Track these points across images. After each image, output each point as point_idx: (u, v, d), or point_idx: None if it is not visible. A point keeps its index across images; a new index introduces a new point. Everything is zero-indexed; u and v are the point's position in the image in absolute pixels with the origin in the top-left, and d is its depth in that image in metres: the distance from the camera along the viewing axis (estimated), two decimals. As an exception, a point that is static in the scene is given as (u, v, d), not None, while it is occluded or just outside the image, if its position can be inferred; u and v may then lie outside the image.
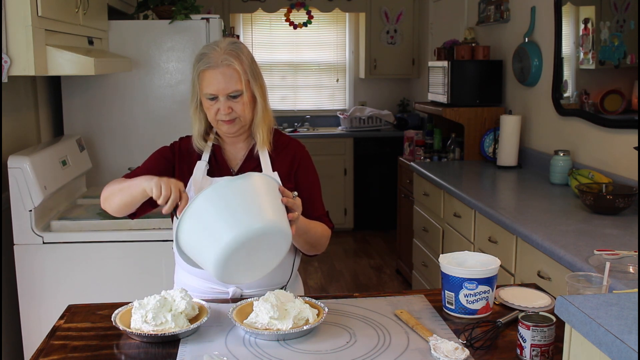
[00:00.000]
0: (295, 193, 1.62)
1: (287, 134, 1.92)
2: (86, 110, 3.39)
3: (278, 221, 1.52)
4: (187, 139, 1.87)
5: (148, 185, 1.56)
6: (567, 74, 3.35)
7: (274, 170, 1.80)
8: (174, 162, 1.84)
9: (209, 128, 1.83)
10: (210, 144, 1.83)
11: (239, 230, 1.46)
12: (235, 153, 1.85)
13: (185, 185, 1.78)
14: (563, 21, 3.33)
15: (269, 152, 1.82)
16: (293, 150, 1.86)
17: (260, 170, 1.79)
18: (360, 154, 5.96)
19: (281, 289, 1.81)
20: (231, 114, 1.72)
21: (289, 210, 1.57)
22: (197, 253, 1.52)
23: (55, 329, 1.60)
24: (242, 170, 1.80)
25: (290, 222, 1.56)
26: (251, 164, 1.81)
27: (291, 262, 1.86)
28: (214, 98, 1.71)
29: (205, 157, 1.81)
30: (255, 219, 1.48)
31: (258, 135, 1.78)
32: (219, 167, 1.82)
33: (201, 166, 1.80)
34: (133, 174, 1.80)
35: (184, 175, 1.81)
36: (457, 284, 1.62)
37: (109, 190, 1.73)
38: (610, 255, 1.98)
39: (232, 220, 1.47)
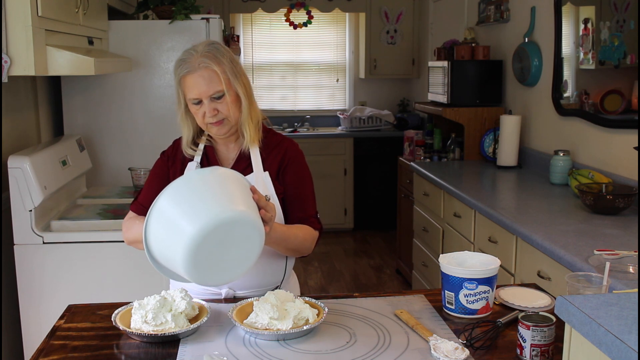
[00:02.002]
0: (269, 196, 1.61)
1: (280, 133, 1.91)
2: (86, 110, 3.39)
3: (247, 212, 1.46)
4: (180, 141, 1.88)
5: None
6: (567, 74, 3.35)
7: (265, 170, 1.80)
8: (168, 168, 1.86)
9: (199, 132, 1.84)
10: (202, 145, 1.83)
11: (202, 220, 1.40)
12: (227, 153, 1.85)
13: None
14: (563, 21, 3.33)
15: (260, 152, 1.81)
16: (284, 149, 1.84)
17: (252, 170, 1.79)
18: (360, 154, 5.95)
19: (274, 289, 1.80)
20: (217, 115, 1.72)
21: (259, 207, 1.55)
22: (167, 257, 1.48)
23: (55, 329, 1.60)
24: (233, 170, 1.80)
25: (264, 221, 1.54)
26: (243, 163, 1.81)
27: (283, 263, 1.85)
28: (199, 102, 1.72)
29: (197, 158, 1.82)
30: (222, 208, 1.43)
31: (245, 133, 1.78)
32: None
33: (192, 167, 1.81)
34: (137, 203, 1.86)
35: (177, 177, 1.82)
36: (457, 284, 1.62)
37: (127, 238, 1.82)
38: (610, 255, 1.98)
39: (194, 212, 1.42)
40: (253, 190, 1.57)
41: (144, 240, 1.50)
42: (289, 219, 1.81)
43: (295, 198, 1.82)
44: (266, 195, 1.60)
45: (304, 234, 1.79)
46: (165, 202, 1.46)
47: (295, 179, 1.83)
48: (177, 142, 1.89)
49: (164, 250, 1.48)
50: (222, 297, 1.81)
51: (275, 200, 1.77)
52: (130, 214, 1.86)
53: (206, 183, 1.49)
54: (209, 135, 1.83)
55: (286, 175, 1.82)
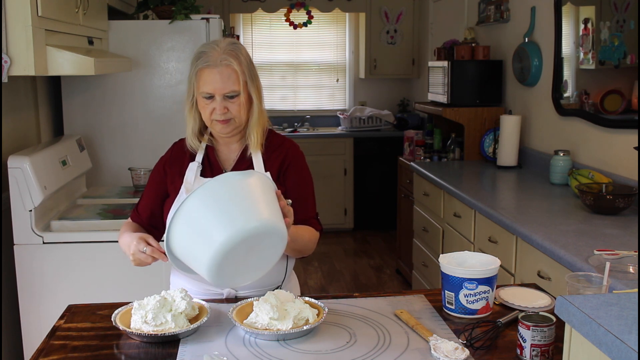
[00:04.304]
0: (290, 201, 1.62)
1: (281, 134, 1.91)
2: (86, 110, 3.39)
3: (275, 221, 1.48)
4: (179, 143, 1.88)
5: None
6: (567, 74, 3.35)
7: (266, 171, 1.79)
8: (166, 172, 1.85)
9: (203, 128, 1.83)
10: (203, 145, 1.82)
11: (233, 229, 1.41)
12: (229, 154, 1.84)
13: (178, 189, 1.79)
14: (563, 21, 3.33)
15: (262, 153, 1.81)
16: (285, 150, 1.85)
17: None
18: (360, 154, 5.95)
19: (275, 289, 1.81)
20: (227, 114, 1.72)
21: (283, 215, 1.55)
22: (189, 257, 1.49)
23: (55, 329, 1.60)
24: (235, 170, 1.80)
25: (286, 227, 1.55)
26: (244, 165, 1.81)
27: (284, 263, 1.85)
28: (211, 97, 1.71)
29: (199, 158, 1.81)
30: (251, 218, 1.44)
31: (252, 137, 1.78)
32: (211, 168, 1.82)
33: (193, 167, 1.80)
34: (136, 213, 1.88)
35: (175, 180, 1.81)
36: (457, 284, 1.62)
37: (120, 242, 1.82)
38: (610, 255, 1.98)
39: (226, 220, 1.42)
40: (278, 196, 1.57)
41: (166, 233, 1.49)
42: None
43: (297, 199, 1.81)
44: (287, 200, 1.61)
45: (309, 235, 1.81)
46: (195, 204, 1.45)
47: (296, 181, 1.83)
48: (177, 145, 1.88)
49: (189, 251, 1.48)
50: (224, 297, 1.81)
51: None
52: (128, 220, 1.89)
53: (238, 189, 1.48)
54: (210, 134, 1.83)
55: (287, 176, 1.83)
